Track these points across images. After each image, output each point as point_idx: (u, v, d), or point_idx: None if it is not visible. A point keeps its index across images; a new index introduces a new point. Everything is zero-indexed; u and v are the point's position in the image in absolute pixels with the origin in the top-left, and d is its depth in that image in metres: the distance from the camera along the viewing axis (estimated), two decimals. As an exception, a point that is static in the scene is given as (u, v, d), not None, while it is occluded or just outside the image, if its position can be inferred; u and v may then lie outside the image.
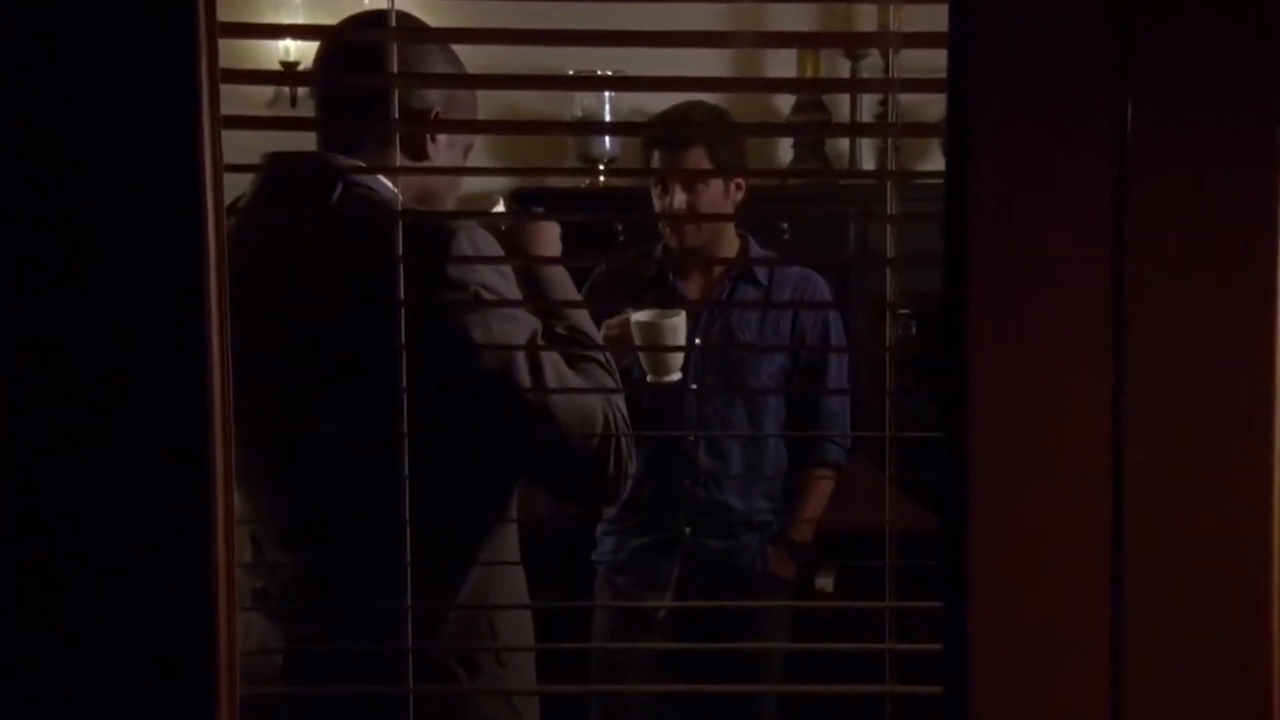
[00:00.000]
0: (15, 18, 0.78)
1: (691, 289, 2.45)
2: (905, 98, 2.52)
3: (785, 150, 3.68)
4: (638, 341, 1.97)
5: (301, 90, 3.38)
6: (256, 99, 3.65)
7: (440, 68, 1.33)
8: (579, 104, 3.43)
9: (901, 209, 1.09)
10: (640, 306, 2.35)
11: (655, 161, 2.35)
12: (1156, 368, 0.84)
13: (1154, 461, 0.85)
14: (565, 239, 1.44)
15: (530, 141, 3.56)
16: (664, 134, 2.31)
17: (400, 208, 1.20)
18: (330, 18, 1.34)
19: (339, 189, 1.21)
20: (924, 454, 1.05)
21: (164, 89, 0.80)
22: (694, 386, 2.35)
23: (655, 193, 2.34)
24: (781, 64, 3.55)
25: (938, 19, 0.88)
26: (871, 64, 3.53)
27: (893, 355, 1.06)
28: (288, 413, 1.23)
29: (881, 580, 1.13)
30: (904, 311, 0.95)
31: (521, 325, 1.22)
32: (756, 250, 2.46)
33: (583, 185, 3.48)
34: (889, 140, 1.37)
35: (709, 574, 2.36)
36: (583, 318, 1.35)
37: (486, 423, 1.20)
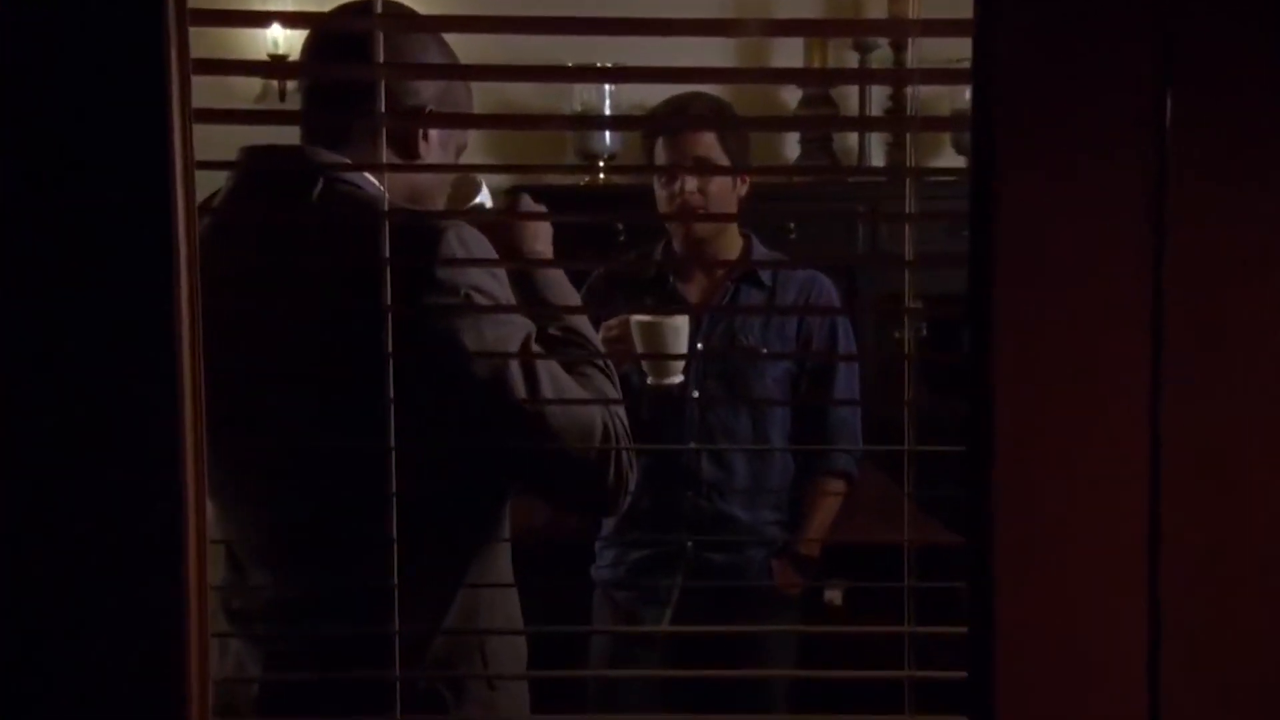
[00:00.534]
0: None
1: (693, 291, 2.41)
2: (911, 91, 2.49)
3: (791, 147, 3.64)
4: (637, 343, 1.94)
5: (292, 84, 3.35)
6: (244, 93, 3.62)
7: (433, 60, 1.30)
8: (578, 98, 3.40)
9: (899, 208, 1.05)
10: (640, 309, 2.33)
11: (659, 150, 2.31)
12: (1197, 377, 0.81)
13: (1194, 477, 0.82)
14: (563, 239, 1.41)
15: (527, 137, 3.52)
16: (669, 122, 2.27)
17: (386, 206, 1.17)
18: (317, 6, 1.31)
19: (320, 185, 1.17)
20: (939, 464, 1.04)
21: (131, 80, 0.78)
22: (696, 393, 2.31)
23: (660, 183, 2.30)
24: (787, 57, 3.51)
25: (955, 6, 0.85)
26: (881, 55, 3.49)
27: (911, 363, 1.03)
28: (267, 424, 1.20)
29: (894, 595, 1.11)
30: (914, 308, 0.94)
31: (515, 329, 1.19)
32: (760, 250, 2.42)
33: (582, 183, 3.45)
34: (908, 135, 1.34)
35: (712, 589, 2.32)
36: (580, 320, 1.32)
37: (479, 434, 1.16)
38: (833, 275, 2.50)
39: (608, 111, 3.38)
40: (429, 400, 1.12)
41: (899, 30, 1.74)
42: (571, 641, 2.46)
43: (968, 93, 2.91)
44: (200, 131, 0.80)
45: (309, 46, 1.32)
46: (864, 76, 3.45)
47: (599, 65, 2.68)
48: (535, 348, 1.20)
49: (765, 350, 2.34)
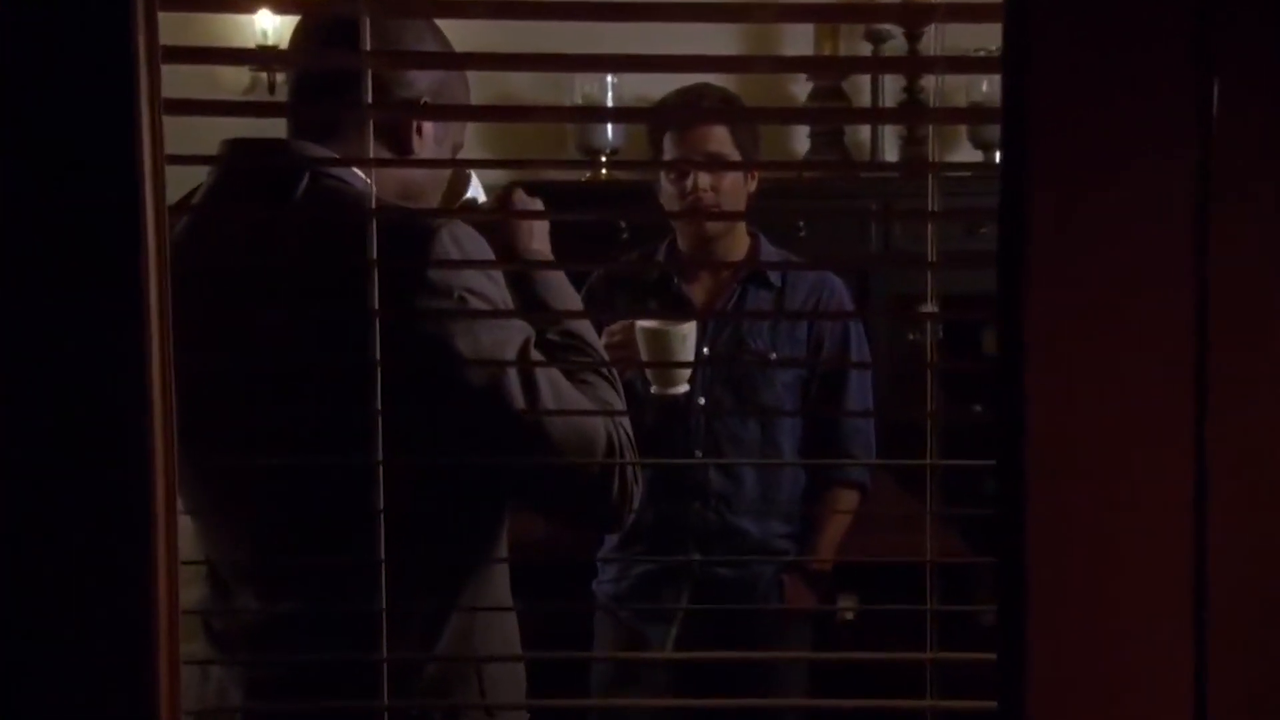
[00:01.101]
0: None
1: (698, 292, 2.37)
2: (935, 81, 2.46)
3: (800, 141, 3.61)
4: (643, 350, 1.91)
5: (284, 76, 3.33)
6: (233, 86, 3.60)
7: (429, 50, 1.26)
8: (579, 91, 3.37)
9: (920, 204, 1.02)
10: (643, 311, 2.30)
11: (668, 145, 2.27)
12: (1245, 392, 0.78)
13: (1242, 493, 0.79)
14: (563, 238, 1.38)
15: (525, 131, 3.51)
16: (676, 115, 2.24)
17: (376, 203, 1.13)
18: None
19: (305, 181, 1.14)
20: (954, 470, 1.03)
21: (96, 67, 0.75)
22: (702, 400, 2.27)
23: (669, 180, 2.26)
24: (796, 47, 3.49)
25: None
26: (894, 46, 3.46)
27: (934, 371, 0.99)
28: (249, 437, 1.17)
29: (908, 605, 1.08)
30: (929, 310, 0.91)
31: (513, 334, 1.15)
32: (768, 249, 2.39)
33: (583, 178, 3.42)
34: (930, 128, 1.31)
35: (720, 605, 2.29)
36: (581, 324, 1.29)
37: (474, 447, 1.13)
38: (844, 275, 2.47)
39: (610, 105, 3.36)
40: (421, 411, 1.09)
41: (922, 16, 1.71)
42: (573, 660, 2.42)
43: (985, 84, 2.89)
44: (189, 126, 0.77)
45: (297, 34, 1.29)
46: (883, 65, 3.41)
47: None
48: (534, 354, 1.16)
49: (774, 355, 2.31)
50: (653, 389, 1.97)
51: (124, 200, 0.75)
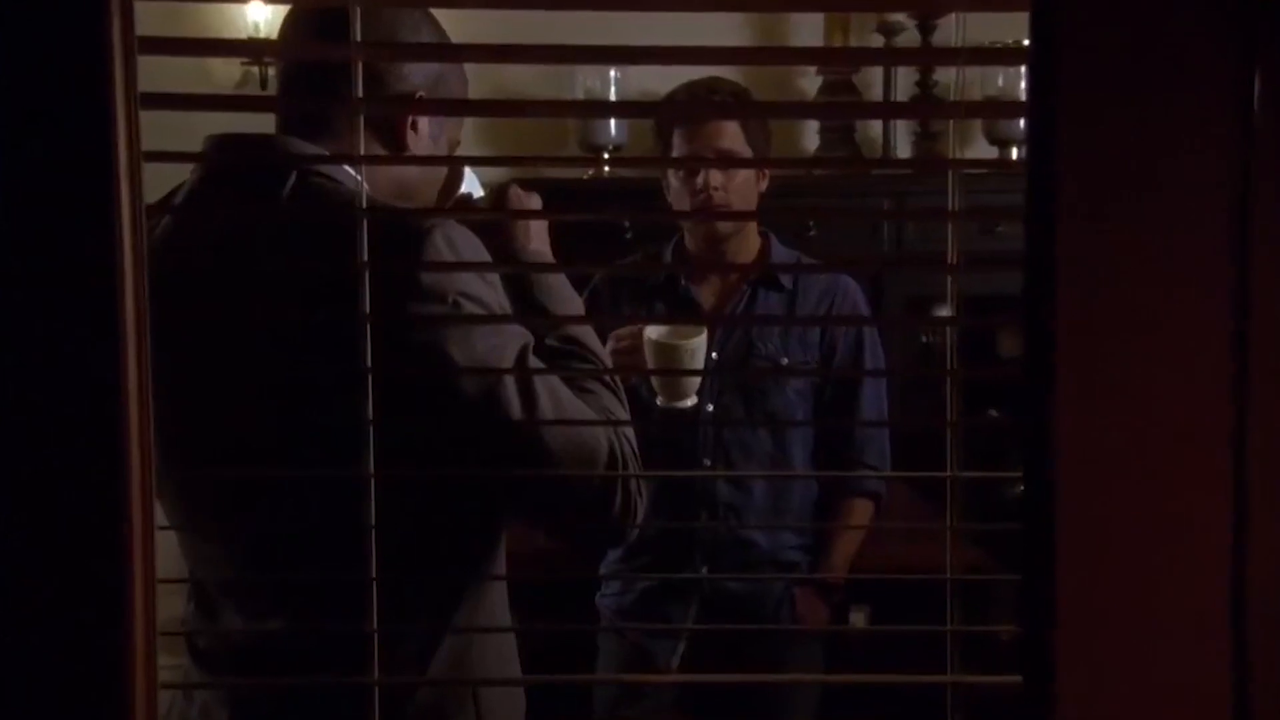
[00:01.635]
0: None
1: (706, 295, 2.35)
2: (957, 74, 2.43)
3: (810, 137, 3.60)
4: (650, 361, 1.89)
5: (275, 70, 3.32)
6: (224, 80, 3.59)
7: (424, 41, 1.24)
8: (581, 86, 3.36)
9: (933, 203, 1.00)
10: (649, 314, 2.28)
11: (677, 141, 2.25)
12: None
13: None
14: (564, 238, 1.35)
15: (525, 127, 3.50)
16: (682, 109, 2.22)
17: (367, 203, 1.11)
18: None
19: (293, 179, 1.12)
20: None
21: (68, 59, 0.73)
22: (711, 407, 2.25)
23: (678, 177, 2.24)
24: (805, 40, 3.47)
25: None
26: (906, 38, 3.45)
27: (956, 380, 0.97)
28: (233, 448, 1.15)
29: (924, 614, 1.09)
30: (948, 315, 0.90)
31: (510, 340, 1.13)
32: (779, 250, 2.37)
33: (585, 175, 3.41)
34: (951, 123, 1.29)
35: (729, 620, 2.25)
36: (583, 329, 1.27)
37: (469, 459, 1.11)
38: (856, 276, 2.44)
39: (613, 99, 3.35)
40: (413, 422, 1.07)
41: (941, 5, 1.68)
42: (575, 668, 2.40)
43: (1000, 78, 2.87)
44: (180, 122, 0.75)
45: (286, 24, 1.27)
46: (901, 57, 3.39)
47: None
48: (533, 360, 1.14)
49: (786, 360, 2.28)
50: (659, 400, 1.94)
51: (98, 199, 0.74)
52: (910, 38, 3.44)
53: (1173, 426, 0.77)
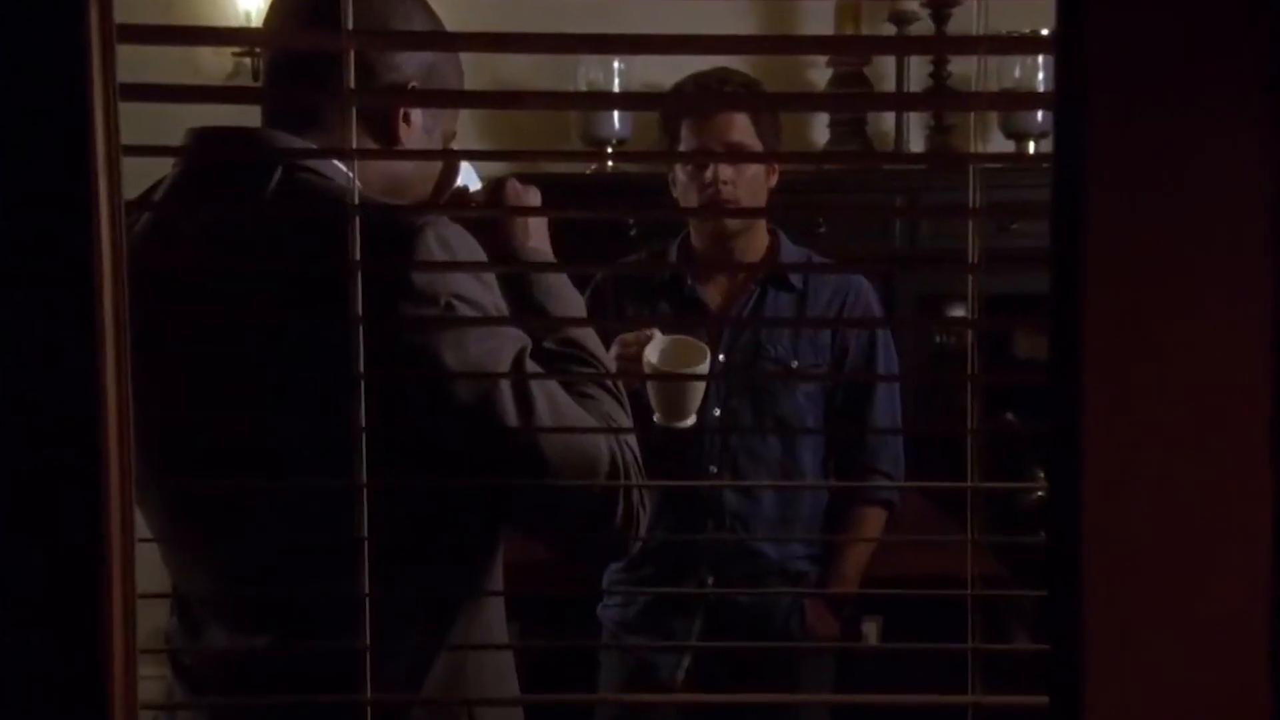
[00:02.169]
0: None
1: (713, 295, 2.34)
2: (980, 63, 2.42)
3: (820, 131, 3.59)
4: (650, 388, 1.87)
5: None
6: (215, 72, 3.58)
7: (418, 30, 1.23)
8: (583, 77, 3.35)
9: (947, 198, 0.98)
10: (653, 314, 2.26)
11: (685, 134, 2.22)
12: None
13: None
14: (565, 236, 1.34)
15: (525, 120, 3.48)
16: (689, 102, 2.20)
17: (357, 199, 1.10)
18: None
19: (278, 175, 1.11)
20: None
21: (43, 47, 0.71)
22: (717, 411, 2.23)
23: (685, 172, 2.23)
24: (815, 31, 3.46)
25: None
26: (920, 28, 3.44)
27: (976, 385, 0.96)
28: (215, 457, 1.14)
29: (937, 626, 1.07)
30: (967, 316, 0.89)
31: (506, 343, 1.12)
32: (789, 248, 2.35)
33: (587, 170, 3.40)
34: (971, 116, 1.27)
35: (736, 633, 2.24)
36: (584, 332, 1.26)
37: (464, 469, 1.10)
38: (869, 275, 2.43)
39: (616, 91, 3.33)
40: (405, 430, 1.06)
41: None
42: (576, 682, 2.39)
43: (1018, 69, 2.86)
44: (164, 114, 0.74)
45: (273, 12, 1.26)
46: (916, 46, 3.37)
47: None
48: (530, 365, 1.12)
49: (796, 363, 2.27)
50: (656, 416, 1.93)
51: (75, 194, 0.72)
52: (923, 28, 3.43)
53: (1208, 433, 0.76)
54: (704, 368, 1.88)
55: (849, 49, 2.26)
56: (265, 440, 1.11)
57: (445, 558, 1.19)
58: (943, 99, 3.02)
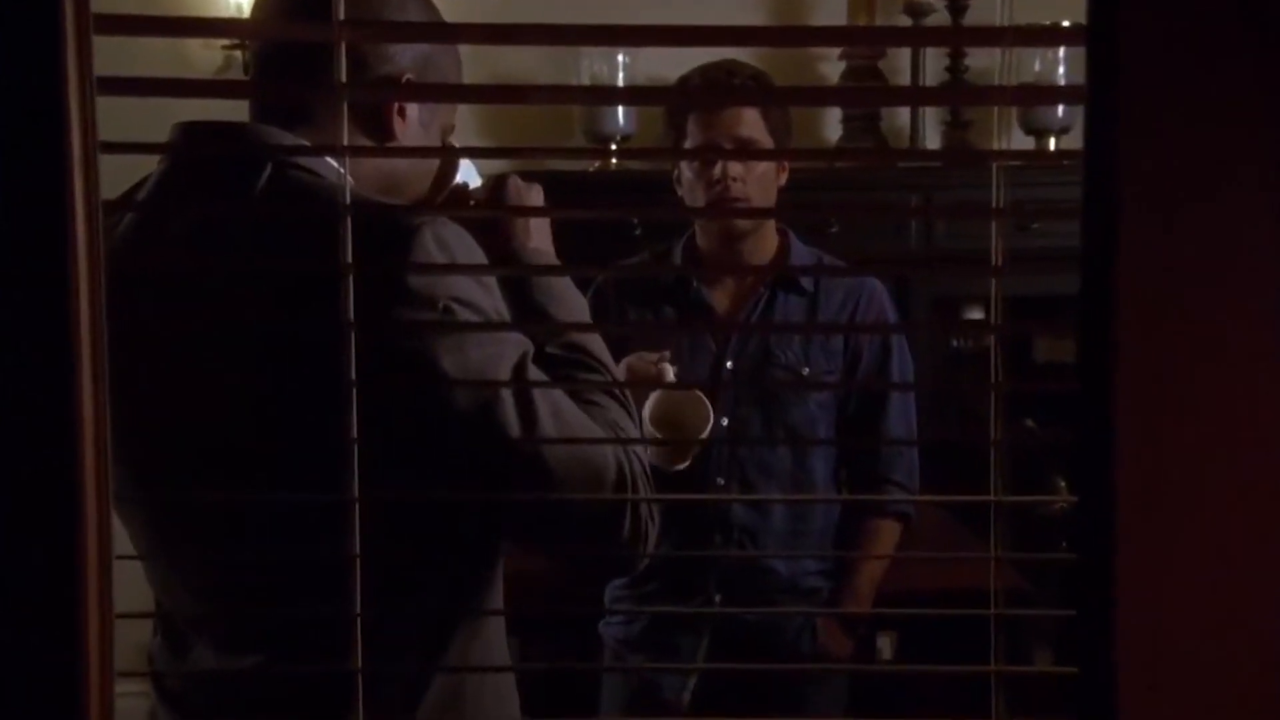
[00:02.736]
0: None
1: (720, 298, 2.32)
2: (1005, 55, 2.41)
3: (832, 127, 3.57)
4: (650, 421, 1.85)
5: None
6: (205, 66, 3.58)
7: (413, 20, 1.22)
8: (586, 71, 3.34)
9: (964, 197, 0.97)
10: (657, 318, 2.25)
11: (692, 128, 2.21)
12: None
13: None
14: (567, 236, 1.32)
15: (526, 116, 3.48)
16: (696, 96, 2.18)
17: (351, 197, 1.09)
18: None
19: (268, 171, 1.10)
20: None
21: (14, 39, 0.71)
22: (725, 421, 2.21)
23: (693, 169, 2.21)
24: (826, 22, 3.45)
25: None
26: (936, 20, 3.43)
27: (1000, 394, 0.94)
28: (201, 468, 1.13)
29: (952, 643, 1.06)
30: (999, 325, 0.88)
31: (507, 349, 1.10)
32: (799, 249, 2.33)
33: (590, 168, 3.39)
34: (995, 112, 1.26)
35: (744, 652, 2.22)
36: (589, 336, 1.25)
37: (463, 480, 1.09)
38: (883, 277, 2.41)
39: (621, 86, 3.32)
40: (402, 439, 1.05)
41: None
42: (578, 701, 2.38)
43: (1037, 63, 2.85)
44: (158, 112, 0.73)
45: (261, 2, 1.25)
46: (936, 37, 3.35)
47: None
48: (533, 371, 1.11)
49: (807, 370, 2.25)
50: (650, 455, 1.92)
51: (49, 193, 0.72)
52: (939, 20, 3.42)
53: (1247, 443, 0.75)
54: (709, 421, 1.85)
55: (866, 40, 2.24)
56: (254, 450, 1.10)
57: (443, 573, 1.18)
58: (964, 93, 3.01)
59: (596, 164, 3.41)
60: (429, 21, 1.24)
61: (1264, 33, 0.73)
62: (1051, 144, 3.33)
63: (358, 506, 0.96)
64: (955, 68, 3.46)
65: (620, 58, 3.37)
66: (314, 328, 1.01)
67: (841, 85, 3.43)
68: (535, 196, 1.29)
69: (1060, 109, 3.29)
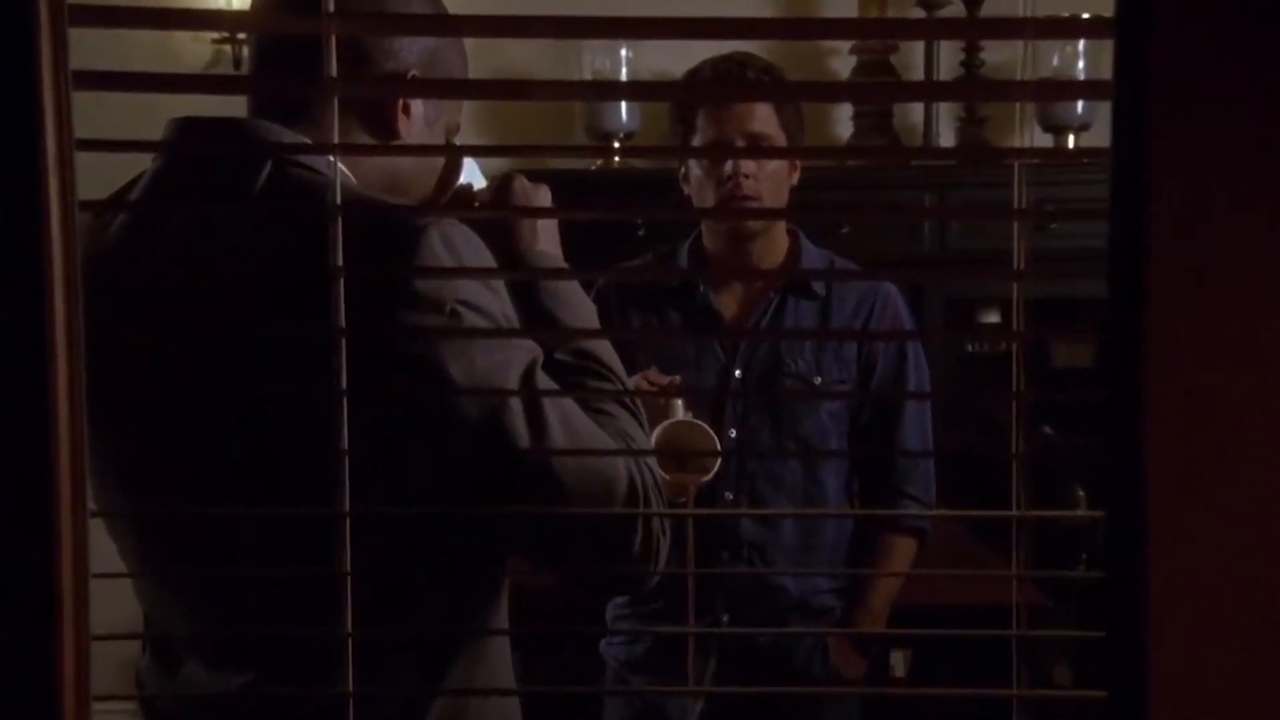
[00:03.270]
0: None
1: (728, 302, 2.30)
2: (1026, 47, 2.40)
3: (843, 125, 3.57)
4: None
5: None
6: (193, 61, 3.58)
7: (416, 13, 1.21)
8: (589, 66, 3.34)
9: (978, 196, 0.96)
10: (661, 323, 2.23)
11: (702, 124, 2.19)
12: None
13: None
14: (570, 237, 1.32)
15: (526, 113, 3.47)
16: (704, 90, 2.17)
17: (353, 197, 1.08)
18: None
19: (267, 169, 1.09)
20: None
21: None
22: (733, 433, 2.20)
23: (702, 167, 2.19)
24: (837, 15, 3.44)
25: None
26: (950, 13, 3.42)
27: (1022, 403, 0.93)
28: (194, 479, 1.13)
29: (968, 660, 1.01)
30: (1023, 333, 0.88)
31: (515, 355, 1.10)
32: (811, 251, 2.32)
33: (593, 166, 3.39)
34: (1018, 106, 1.24)
35: (753, 674, 2.20)
36: (597, 342, 1.25)
37: (468, 492, 1.08)
38: (897, 280, 2.40)
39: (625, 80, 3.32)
40: (406, 447, 1.05)
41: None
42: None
43: (1056, 57, 2.85)
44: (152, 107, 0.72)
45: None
46: (955, 29, 3.33)
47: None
48: (542, 377, 1.11)
49: (819, 379, 2.23)
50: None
51: (22, 192, 0.71)
52: (953, 13, 3.41)
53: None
54: (713, 452, 1.84)
55: (879, 33, 2.23)
56: (250, 461, 1.09)
57: (446, 590, 1.17)
58: (984, 88, 3.00)
59: (599, 162, 3.41)
60: (432, 14, 1.24)
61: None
62: (1071, 141, 3.32)
63: (363, 518, 0.96)
64: (971, 62, 3.45)
65: (623, 52, 3.37)
66: (314, 330, 1.00)
67: (857, 80, 3.42)
68: (542, 197, 1.29)
69: (1079, 104, 3.28)
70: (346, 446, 0.95)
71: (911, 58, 3.54)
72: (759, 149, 2.19)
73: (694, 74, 2.20)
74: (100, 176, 1.14)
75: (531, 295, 1.21)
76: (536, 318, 1.20)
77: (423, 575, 1.13)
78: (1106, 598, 0.77)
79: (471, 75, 1.35)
